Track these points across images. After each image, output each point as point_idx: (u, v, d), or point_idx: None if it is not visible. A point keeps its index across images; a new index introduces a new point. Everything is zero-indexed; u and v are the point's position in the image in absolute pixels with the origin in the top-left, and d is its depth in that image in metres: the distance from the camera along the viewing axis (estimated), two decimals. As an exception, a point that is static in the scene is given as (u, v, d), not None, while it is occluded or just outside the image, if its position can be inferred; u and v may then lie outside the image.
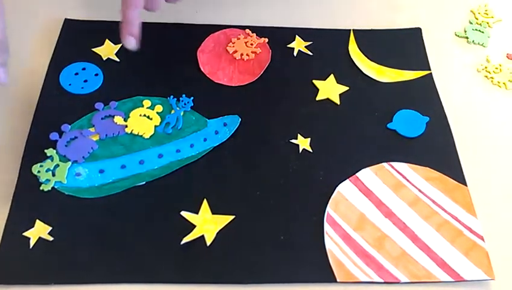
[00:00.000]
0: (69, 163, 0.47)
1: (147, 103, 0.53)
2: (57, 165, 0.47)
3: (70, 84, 0.53)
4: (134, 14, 0.46)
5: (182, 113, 0.52)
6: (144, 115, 0.52)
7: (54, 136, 0.49)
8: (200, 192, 0.47)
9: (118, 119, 0.51)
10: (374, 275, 0.44)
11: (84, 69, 0.55)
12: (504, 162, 0.53)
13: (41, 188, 0.46)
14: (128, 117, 0.51)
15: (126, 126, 0.51)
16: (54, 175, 0.47)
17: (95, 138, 0.50)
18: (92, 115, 0.51)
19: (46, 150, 0.48)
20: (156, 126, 0.51)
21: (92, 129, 0.50)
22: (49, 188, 0.46)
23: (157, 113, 0.52)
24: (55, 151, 0.48)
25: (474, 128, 0.55)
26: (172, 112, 0.52)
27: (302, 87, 0.56)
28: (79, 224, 0.45)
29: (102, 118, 0.51)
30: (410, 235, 0.47)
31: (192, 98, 0.53)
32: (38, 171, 0.46)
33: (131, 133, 0.50)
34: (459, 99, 0.57)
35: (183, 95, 0.53)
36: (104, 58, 0.56)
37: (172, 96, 0.53)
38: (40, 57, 0.55)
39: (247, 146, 0.51)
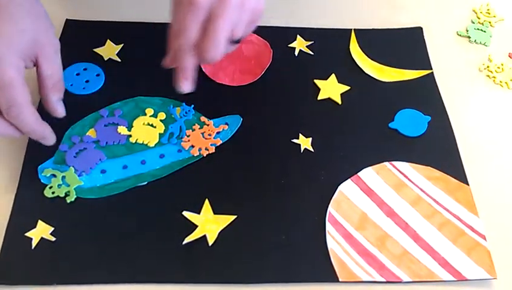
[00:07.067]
0: (72, 170, 0.47)
1: (149, 111, 0.52)
2: (64, 177, 0.47)
3: (71, 85, 0.54)
4: (189, 60, 0.43)
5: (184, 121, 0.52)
6: (148, 124, 0.52)
7: (63, 147, 0.49)
8: (201, 192, 0.47)
9: (122, 130, 0.50)
10: (375, 275, 0.44)
11: (85, 69, 0.55)
12: (506, 161, 0.53)
13: (67, 200, 0.46)
14: (132, 126, 0.51)
15: (130, 136, 0.50)
16: (68, 185, 0.46)
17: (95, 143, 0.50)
18: (94, 117, 0.51)
19: (43, 171, 0.47)
20: (160, 134, 0.51)
21: (93, 135, 0.50)
22: (73, 199, 0.46)
23: (160, 120, 0.52)
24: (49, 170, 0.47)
25: (476, 127, 0.55)
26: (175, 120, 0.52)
27: (303, 87, 0.56)
28: (81, 224, 0.45)
29: (105, 125, 0.51)
30: (412, 234, 0.47)
31: (192, 105, 0.53)
32: (53, 193, 0.46)
33: (135, 142, 0.50)
34: (460, 99, 0.57)
35: (183, 104, 0.53)
36: (106, 59, 0.56)
37: (172, 106, 0.53)
38: (41, 57, 0.55)
39: (248, 146, 0.51)
